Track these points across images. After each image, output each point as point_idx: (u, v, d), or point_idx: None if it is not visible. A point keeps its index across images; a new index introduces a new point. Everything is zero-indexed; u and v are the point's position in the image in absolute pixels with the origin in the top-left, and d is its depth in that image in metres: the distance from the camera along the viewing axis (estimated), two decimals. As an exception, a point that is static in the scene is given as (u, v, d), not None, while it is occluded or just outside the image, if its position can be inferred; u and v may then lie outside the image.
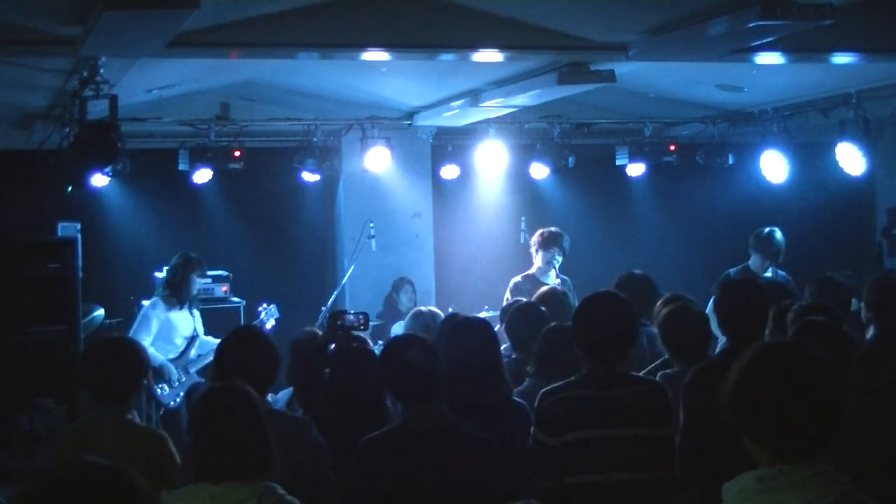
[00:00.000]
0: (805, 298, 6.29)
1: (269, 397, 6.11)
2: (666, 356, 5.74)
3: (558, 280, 8.58)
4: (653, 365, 5.77)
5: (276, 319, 9.50)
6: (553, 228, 9.00)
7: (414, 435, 4.14)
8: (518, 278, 8.78)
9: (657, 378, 5.25)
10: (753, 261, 9.07)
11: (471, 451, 4.17)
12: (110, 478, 2.12)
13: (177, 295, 8.92)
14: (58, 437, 5.72)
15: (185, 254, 9.17)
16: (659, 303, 6.15)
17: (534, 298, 6.88)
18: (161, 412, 8.72)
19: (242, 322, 9.74)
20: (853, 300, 6.64)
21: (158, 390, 8.66)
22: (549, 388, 4.50)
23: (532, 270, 8.89)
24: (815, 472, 2.52)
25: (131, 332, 8.69)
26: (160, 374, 8.67)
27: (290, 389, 5.86)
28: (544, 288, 7.38)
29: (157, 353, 8.67)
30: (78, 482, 2.10)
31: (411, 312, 7.09)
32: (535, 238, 8.99)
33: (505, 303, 7.56)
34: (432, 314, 6.82)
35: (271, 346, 4.60)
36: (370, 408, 4.89)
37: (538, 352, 5.34)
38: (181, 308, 8.97)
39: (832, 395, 2.57)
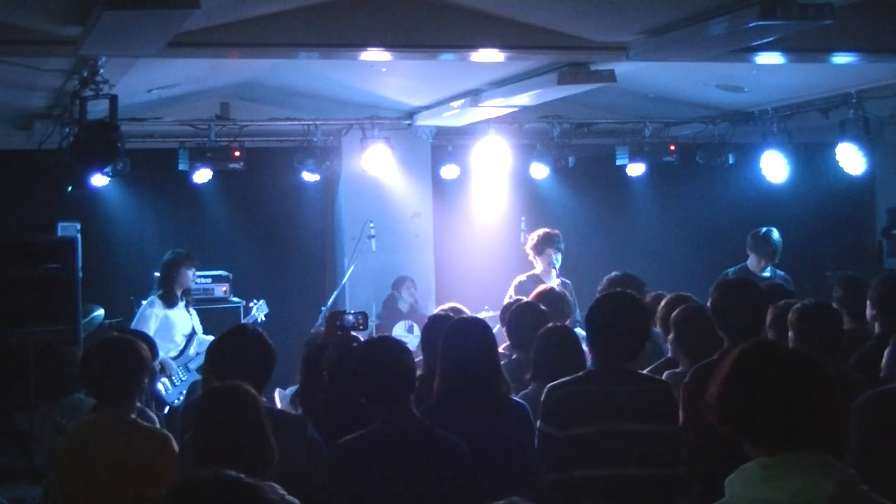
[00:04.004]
0: (834, 299, 6.26)
1: (278, 392, 6.15)
2: (668, 355, 5.73)
3: (558, 281, 8.57)
4: (656, 364, 5.76)
5: (265, 315, 9.51)
6: (543, 231, 8.93)
7: (390, 437, 4.14)
8: (522, 277, 8.74)
9: (664, 377, 5.26)
10: (751, 261, 9.07)
11: (445, 453, 4.16)
12: (247, 493, 2.13)
13: (169, 292, 8.92)
14: (45, 437, 5.73)
15: (173, 250, 9.18)
16: (663, 302, 6.13)
17: (531, 297, 6.86)
18: (165, 411, 8.72)
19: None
20: None
21: (162, 388, 8.65)
22: (556, 382, 4.56)
23: (536, 271, 8.87)
24: (817, 459, 2.56)
25: None
26: (162, 369, 8.68)
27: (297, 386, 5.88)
28: (541, 287, 7.35)
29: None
30: (214, 496, 2.11)
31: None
32: (529, 245, 8.94)
33: (506, 302, 7.54)
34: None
35: (267, 345, 4.61)
36: (369, 408, 4.88)
37: (535, 356, 5.34)
38: (177, 305, 8.97)
39: (817, 385, 2.61)
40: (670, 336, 5.57)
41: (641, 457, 4.35)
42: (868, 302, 5.76)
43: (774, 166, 10.39)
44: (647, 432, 4.37)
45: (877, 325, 5.70)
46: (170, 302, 8.93)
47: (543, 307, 6.18)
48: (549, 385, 4.57)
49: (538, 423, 4.53)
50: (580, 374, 4.56)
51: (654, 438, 4.38)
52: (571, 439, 4.37)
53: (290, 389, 6.02)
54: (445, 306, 6.77)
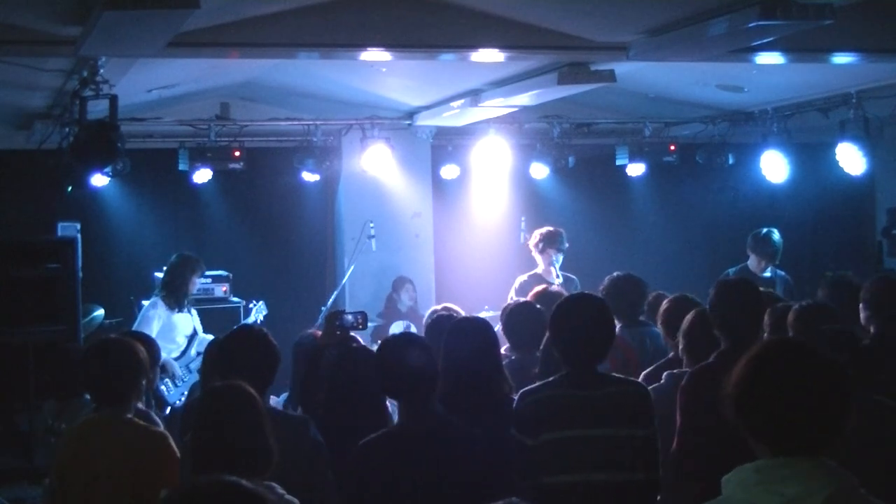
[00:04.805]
0: (819, 299, 6.25)
1: (272, 400, 6.14)
2: (670, 355, 5.72)
3: (560, 279, 8.57)
4: (658, 364, 5.74)
5: (264, 316, 9.50)
6: (546, 230, 8.95)
7: (412, 436, 4.13)
8: (524, 277, 8.74)
9: (663, 378, 5.23)
10: (752, 261, 9.08)
11: (468, 448, 4.16)
12: (250, 499, 2.13)
13: (175, 296, 8.84)
14: (40, 436, 5.73)
15: (182, 254, 9.11)
16: (666, 302, 6.12)
17: (528, 297, 6.85)
18: (167, 412, 8.70)
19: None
20: None
21: (164, 388, 8.63)
22: (527, 388, 4.47)
23: (538, 270, 8.88)
24: (815, 464, 2.52)
25: None
26: (164, 369, 8.64)
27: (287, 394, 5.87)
28: (538, 287, 7.35)
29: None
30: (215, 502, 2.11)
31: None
32: (532, 243, 8.97)
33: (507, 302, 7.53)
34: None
35: (272, 345, 4.61)
36: (370, 408, 4.89)
37: (543, 356, 5.31)
38: (180, 309, 8.94)
39: (839, 396, 2.56)
40: (678, 337, 5.55)
41: (614, 461, 4.25)
42: (861, 304, 5.73)
43: (774, 166, 10.39)
44: (620, 436, 4.27)
45: (872, 327, 5.68)
46: (174, 305, 8.86)
47: (540, 307, 6.16)
48: (521, 391, 4.48)
49: (511, 430, 4.39)
50: (551, 378, 4.44)
51: (628, 442, 4.28)
52: (544, 445, 4.26)
53: (283, 397, 6.00)
54: (437, 307, 6.77)
